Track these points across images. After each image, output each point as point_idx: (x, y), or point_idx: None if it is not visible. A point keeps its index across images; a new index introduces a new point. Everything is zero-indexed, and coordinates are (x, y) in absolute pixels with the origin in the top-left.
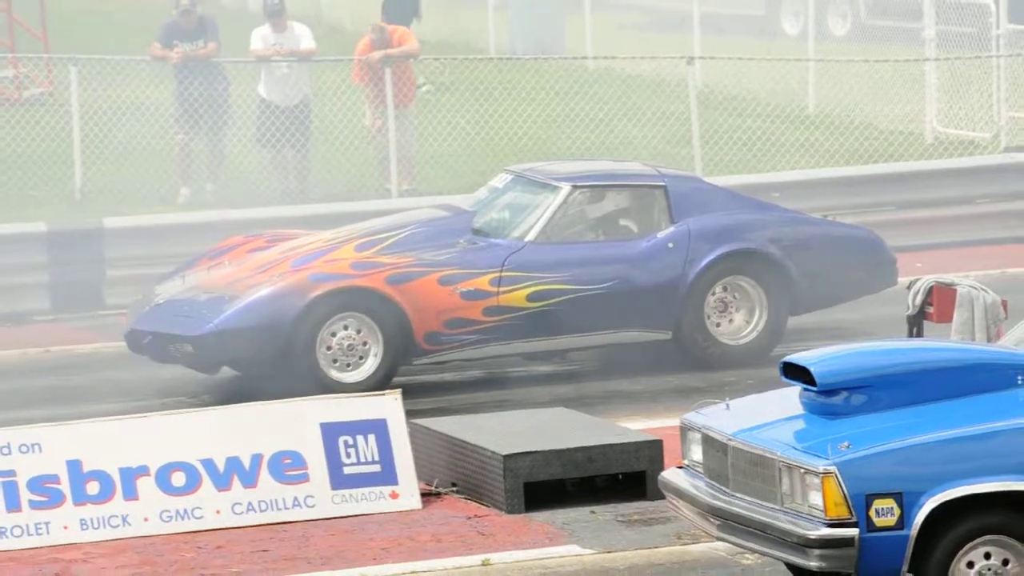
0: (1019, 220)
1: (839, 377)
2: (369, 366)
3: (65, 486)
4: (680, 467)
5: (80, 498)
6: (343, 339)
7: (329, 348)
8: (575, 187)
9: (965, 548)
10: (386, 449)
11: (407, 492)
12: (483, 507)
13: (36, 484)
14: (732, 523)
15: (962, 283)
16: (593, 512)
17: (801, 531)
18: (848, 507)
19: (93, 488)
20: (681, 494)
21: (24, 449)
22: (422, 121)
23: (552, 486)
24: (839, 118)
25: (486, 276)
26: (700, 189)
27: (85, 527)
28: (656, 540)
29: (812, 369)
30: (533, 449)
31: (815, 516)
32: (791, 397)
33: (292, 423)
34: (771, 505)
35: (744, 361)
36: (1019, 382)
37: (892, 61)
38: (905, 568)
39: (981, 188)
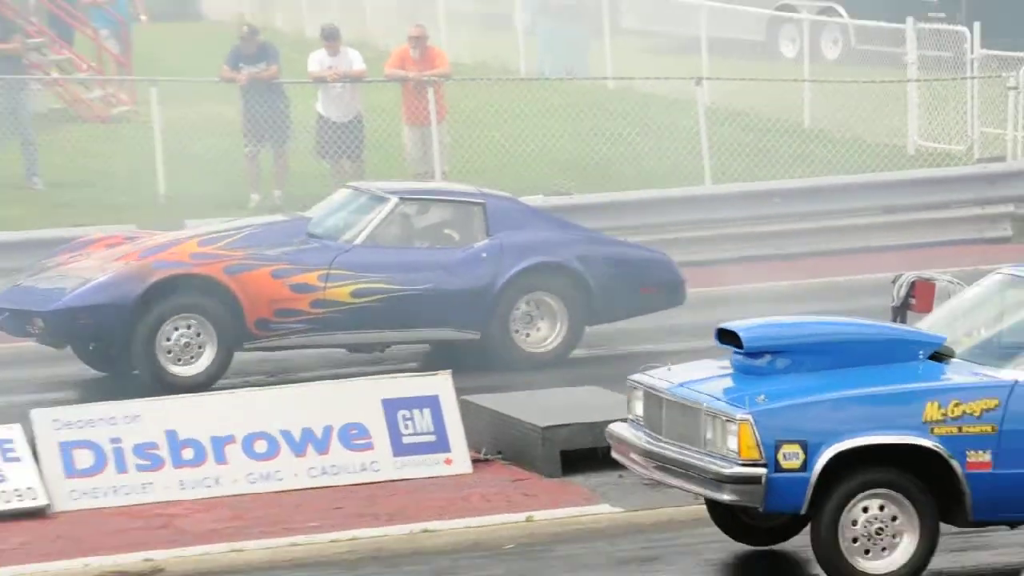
0: (990, 223)
1: (764, 342)
2: (207, 356)
3: (164, 452)
4: (625, 421)
5: (178, 462)
6: (181, 336)
7: (168, 339)
8: (402, 199)
9: (859, 497)
10: (439, 421)
11: (459, 459)
12: (525, 472)
13: (140, 450)
14: (663, 464)
15: (941, 278)
16: (621, 476)
17: (717, 469)
18: (759, 450)
19: (188, 454)
20: (622, 441)
21: (127, 420)
22: (461, 135)
23: (585, 454)
24: (832, 132)
25: (315, 272)
26: (516, 208)
27: (183, 487)
28: (676, 500)
29: (741, 334)
30: (569, 422)
31: (731, 457)
32: (725, 361)
33: (358, 399)
34: (696, 448)
35: (544, 364)
36: (920, 356)
37: (878, 82)
38: (805, 506)
39: (957, 195)
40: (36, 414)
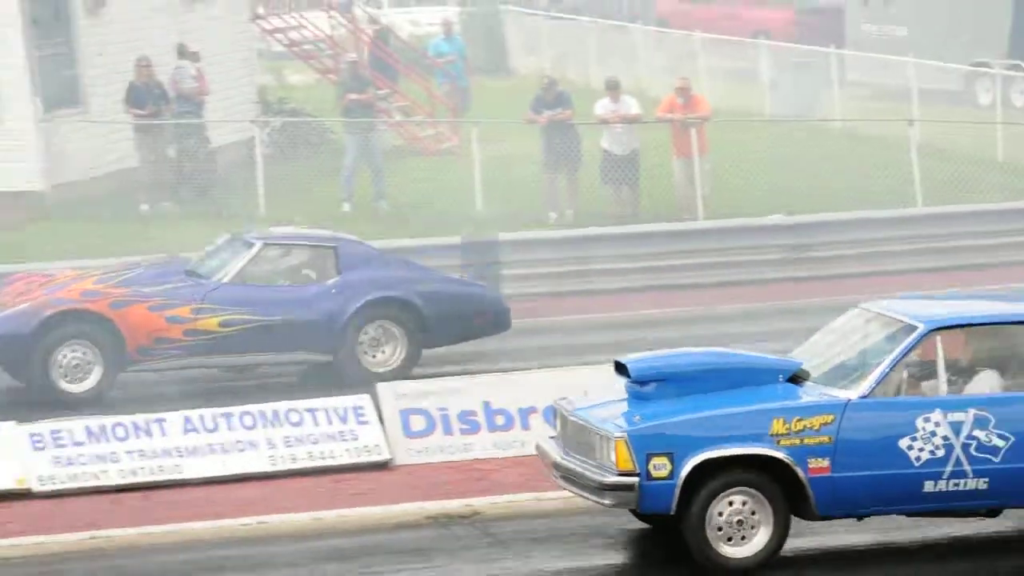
0: None
1: (647, 372)
2: (95, 376)
3: (481, 419)
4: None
5: (492, 427)
6: (72, 359)
7: (61, 363)
8: (266, 244)
9: (722, 495)
10: None
11: None
12: None
13: (462, 417)
14: (566, 475)
15: None
16: None
17: (600, 478)
18: (633, 463)
19: (500, 420)
20: (543, 455)
21: (452, 392)
22: (719, 165)
23: None
24: (1022, 164)
25: (187, 307)
26: (364, 251)
27: (496, 447)
28: None
29: (628, 366)
30: None
31: (612, 469)
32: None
33: None
34: (589, 461)
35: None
36: (780, 379)
37: None
38: (673, 508)
39: None
40: (381, 387)
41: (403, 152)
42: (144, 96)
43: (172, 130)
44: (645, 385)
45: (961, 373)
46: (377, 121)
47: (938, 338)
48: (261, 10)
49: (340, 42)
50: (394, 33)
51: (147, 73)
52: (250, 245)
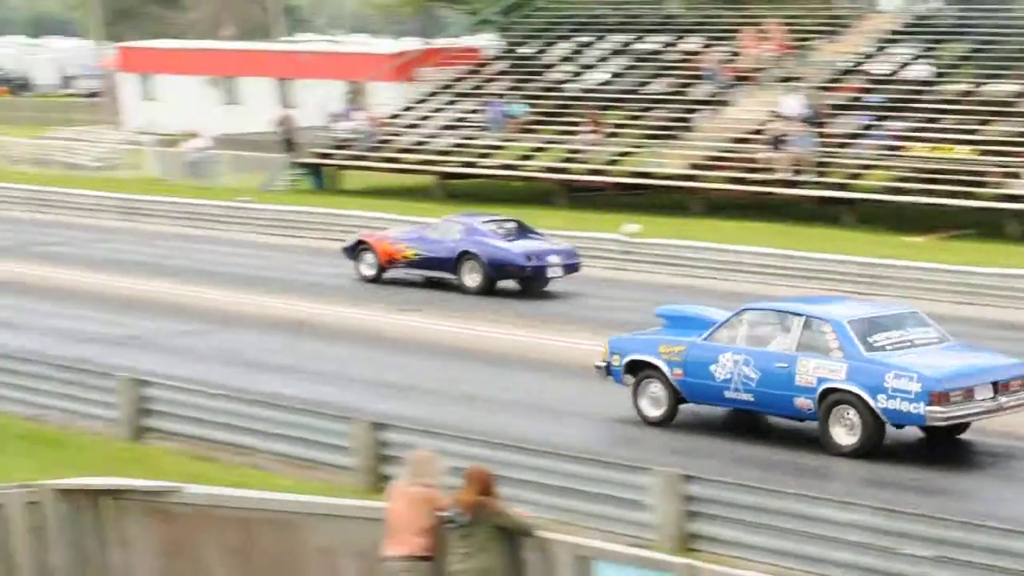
0: None
1: None
2: (374, 270)
3: None
4: None
5: None
6: (367, 259)
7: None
8: (448, 219)
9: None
10: None
11: None
12: None
13: None
14: None
15: None
16: None
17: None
18: None
19: None
20: None
21: None
22: None
23: None
24: None
25: (404, 243)
26: (520, 227)
27: None
28: None
29: None
30: None
31: None
32: None
33: None
34: None
35: None
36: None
37: None
38: None
39: None
40: None
41: None
42: None
43: None
44: None
45: (757, 337)
46: None
47: (746, 315)
48: None
49: None
50: None
51: None
52: (437, 221)
